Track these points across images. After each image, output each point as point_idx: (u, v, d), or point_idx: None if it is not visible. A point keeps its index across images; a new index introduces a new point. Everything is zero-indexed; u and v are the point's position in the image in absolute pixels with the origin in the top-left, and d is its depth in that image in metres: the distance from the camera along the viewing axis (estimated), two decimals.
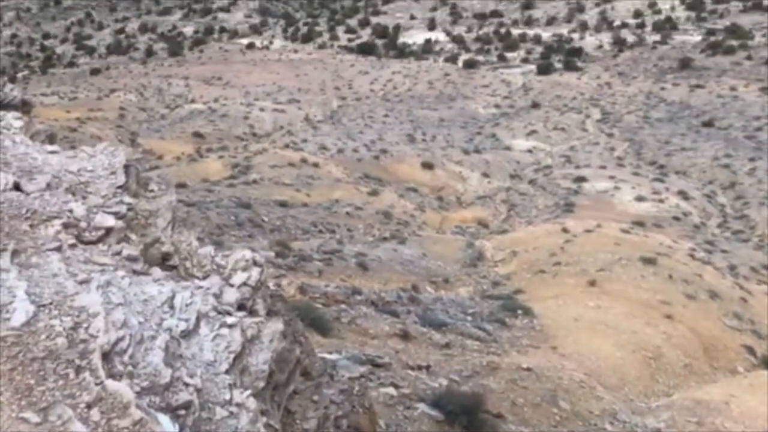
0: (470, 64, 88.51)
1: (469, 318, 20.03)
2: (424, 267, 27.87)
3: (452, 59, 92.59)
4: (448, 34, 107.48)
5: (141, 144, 53.28)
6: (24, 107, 8.50)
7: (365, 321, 17.32)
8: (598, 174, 48.07)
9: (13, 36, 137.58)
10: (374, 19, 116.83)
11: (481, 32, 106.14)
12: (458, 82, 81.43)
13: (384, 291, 22.06)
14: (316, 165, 46.57)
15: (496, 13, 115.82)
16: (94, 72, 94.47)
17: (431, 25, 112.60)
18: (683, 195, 44.15)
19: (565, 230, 31.75)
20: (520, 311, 21.06)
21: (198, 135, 57.27)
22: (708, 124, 61.09)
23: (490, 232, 37.10)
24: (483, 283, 26.93)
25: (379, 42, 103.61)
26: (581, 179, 46.20)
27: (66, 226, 4.62)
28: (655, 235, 32.09)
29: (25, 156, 6.14)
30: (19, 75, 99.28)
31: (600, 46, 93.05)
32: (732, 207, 44.71)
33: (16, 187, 5.14)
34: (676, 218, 39.65)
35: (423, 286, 24.88)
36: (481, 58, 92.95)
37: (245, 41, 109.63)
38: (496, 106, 73.25)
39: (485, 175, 50.29)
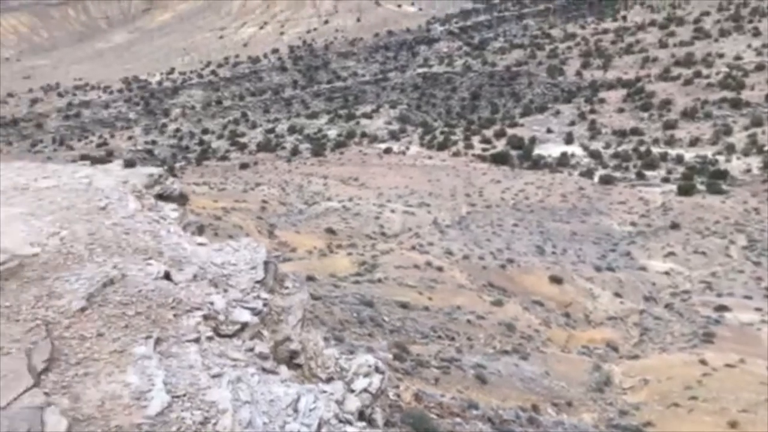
0: (607, 180, 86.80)
1: None
2: (546, 386, 26.56)
3: (588, 174, 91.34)
4: (585, 148, 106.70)
5: (278, 236, 55.77)
6: (180, 199, 9.22)
7: None
8: (743, 304, 44.53)
9: (177, 130, 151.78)
10: (510, 131, 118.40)
11: (619, 149, 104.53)
12: (593, 197, 79.79)
13: (502, 408, 21.14)
14: (440, 269, 46.42)
15: (636, 131, 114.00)
16: (243, 166, 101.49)
17: (568, 139, 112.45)
18: None
19: (703, 362, 29.40)
20: None
21: (330, 231, 59.22)
22: None
23: (620, 356, 34.97)
24: (609, 411, 25.20)
25: (514, 153, 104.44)
26: (723, 308, 42.98)
27: (206, 318, 4.85)
28: None
29: (177, 246, 6.60)
30: (177, 165, 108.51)
31: (748, 170, 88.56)
32: None
33: (166, 276, 5.51)
34: None
35: (544, 407, 23.63)
36: (618, 174, 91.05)
37: (383, 146, 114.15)
38: (632, 224, 70.70)
39: (617, 294, 47.99)
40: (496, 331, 35.84)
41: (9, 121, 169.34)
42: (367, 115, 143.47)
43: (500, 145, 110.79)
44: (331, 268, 45.93)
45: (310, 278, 37.79)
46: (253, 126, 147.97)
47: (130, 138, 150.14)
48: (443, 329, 34.19)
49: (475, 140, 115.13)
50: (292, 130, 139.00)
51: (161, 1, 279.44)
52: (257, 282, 6.09)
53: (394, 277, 42.92)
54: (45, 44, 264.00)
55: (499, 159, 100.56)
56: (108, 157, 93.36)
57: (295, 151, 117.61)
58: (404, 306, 36.22)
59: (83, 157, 76.71)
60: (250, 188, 76.86)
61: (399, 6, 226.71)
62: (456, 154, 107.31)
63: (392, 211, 68.42)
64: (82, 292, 5.09)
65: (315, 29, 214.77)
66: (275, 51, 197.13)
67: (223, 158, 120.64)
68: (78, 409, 4.00)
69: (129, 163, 11.33)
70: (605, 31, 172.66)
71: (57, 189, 7.63)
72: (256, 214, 63.48)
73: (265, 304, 5.58)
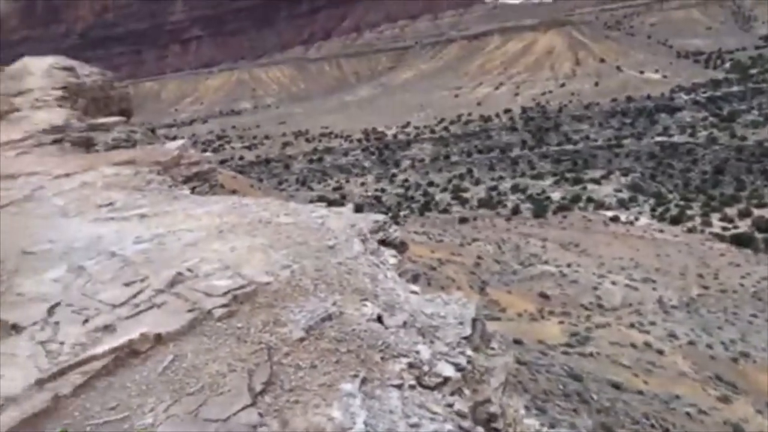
0: None
1: None
2: None
3: None
4: None
5: (489, 293, 55.56)
6: (400, 247, 9.58)
7: None
8: None
9: (405, 180, 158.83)
10: (757, 212, 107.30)
11: None
12: None
13: None
14: (660, 352, 43.05)
15: None
16: (462, 220, 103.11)
17: None
18: None
19: None
20: None
21: (544, 296, 57.75)
22: None
23: None
24: None
25: (760, 236, 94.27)
26: None
27: (411, 366, 4.95)
28: None
29: (391, 291, 6.84)
30: (401, 214, 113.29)
31: None
32: None
33: (379, 319, 5.74)
34: None
35: None
36: None
37: (610, 214, 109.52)
38: None
39: None
40: (719, 430, 32.17)
41: (263, 160, 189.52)
42: (596, 181, 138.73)
43: (744, 225, 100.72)
44: (540, 334, 44.68)
45: (517, 342, 37.03)
46: (477, 182, 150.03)
47: (362, 184, 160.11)
48: (658, 418, 31.44)
49: (715, 218, 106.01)
50: (515, 189, 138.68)
51: (406, 60, 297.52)
52: (463, 338, 6.10)
53: (608, 353, 40.61)
54: (301, 94, 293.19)
55: (742, 241, 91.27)
56: (341, 200, 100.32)
57: (515, 211, 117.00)
58: (616, 386, 34.05)
59: (320, 199, 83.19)
60: (466, 242, 77.74)
61: (641, 72, 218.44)
62: (691, 231, 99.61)
63: (613, 283, 64.99)
64: (303, 323, 5.49)
65: (550, 92, 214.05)
66: (507, 111, 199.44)
67: (444, 211, 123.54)
68: None
69: (358, 208, 12.07)
70: None
71: (294, 226, 8.34)
72: (470, 269, 63.91)
73: (468, 362, 5.56)
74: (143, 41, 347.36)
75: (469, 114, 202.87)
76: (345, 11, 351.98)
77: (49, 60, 21.61)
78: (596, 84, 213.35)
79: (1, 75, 20.88)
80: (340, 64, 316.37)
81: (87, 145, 15.44)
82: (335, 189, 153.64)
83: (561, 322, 49.38)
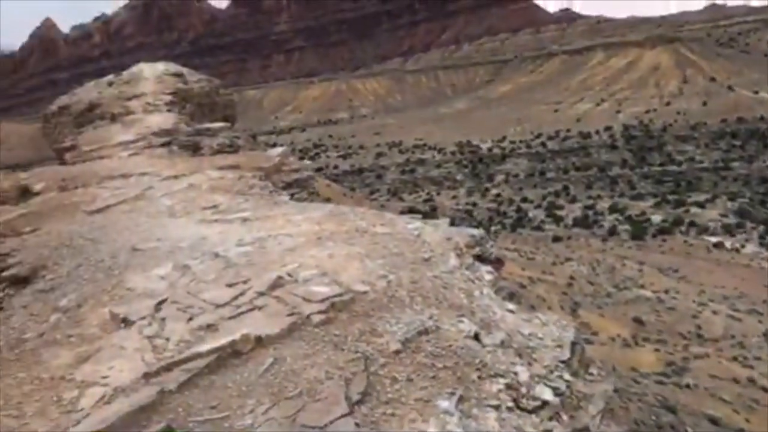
0: None
1: None
2: None
3: None
4: None
5: (580, 315, 53.91)
6: (496, 263, 9.41)
7: None
8: None
9: (497, 195, 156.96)
10: None
11: None
12: None
13: None
14: (765, 390, 40.42)
15: None
16: (556, 239, 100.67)
17: None
18: None
19: None
20: None
21: (638, 321, 55.51)
22: None
23: None
24: None
25: None
26: None
27: (508, 387, 4.83)
28: None
29: (487, 309, 6.72)
30: (493, 229, 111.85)
31: None
32: None
33: (476, 336, 5.64)
34: None
35: None
36: None
37: (714, 239, 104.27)
38: None
39: None
40: None
41: (356, 169, 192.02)
42: (700, 204, 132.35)
43: None
44: (633, 361, 43.01)
45: None
46: (573, 200, 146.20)
47: (453, 197, 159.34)
48: None
49: None
50: (612, 209, 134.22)
51: (505, 73, 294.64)
52: (561, 361, 5.91)
53: (706, 386, 38.58)
54: (396, 105, 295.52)
55: None
56: (432, 212, 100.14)
57: (612, 231, 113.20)
58: (714, 421, 32.25)
59: (411, 210, 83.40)
60: (559, 262, 75.77)
61: (756, 92, 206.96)
62: None
63: (714, 312, 61.62)
64: (399, 335, 5.47)
65: (654, 110, 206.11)
66: (608, 128, 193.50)
67: (538, 228, 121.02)
68: None
69: (453, 221, 11.97)
70: None
71: (390, 236, 8.36)
72: (562, 289, 62.20)
73: (567, 386, 5.37)
74: (249, 50, 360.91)
75: (568, 130, 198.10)
76: (445, 24, 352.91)
77: (161, 66, 22.80)
78: (704, 103, 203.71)
79: (118, 79, 22.19)
80: (437, 76, 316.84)
81: (194, 149, 16.13)
82: (426, 201, 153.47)
83: (656, 350, 47.36)
